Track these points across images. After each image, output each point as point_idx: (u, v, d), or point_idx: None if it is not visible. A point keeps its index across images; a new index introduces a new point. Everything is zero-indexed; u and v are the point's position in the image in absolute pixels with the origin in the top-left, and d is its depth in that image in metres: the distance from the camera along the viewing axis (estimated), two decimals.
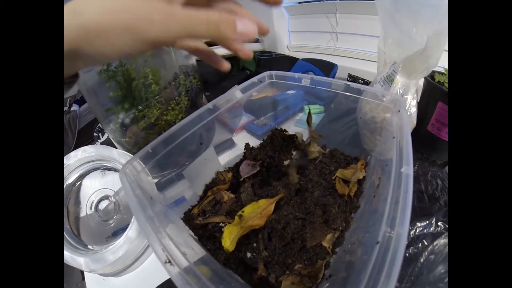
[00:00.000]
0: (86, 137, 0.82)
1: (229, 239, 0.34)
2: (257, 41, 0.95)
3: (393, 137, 0.37)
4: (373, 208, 0.31)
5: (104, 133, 0.81)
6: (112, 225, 0.55)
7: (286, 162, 0.49)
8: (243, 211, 0.37)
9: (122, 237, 0.47)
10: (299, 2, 0.95)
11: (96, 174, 0.58)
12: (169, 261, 0.22)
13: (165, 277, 0.46)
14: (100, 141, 0.80)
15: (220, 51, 0.90)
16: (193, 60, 0.79)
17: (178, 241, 0.31)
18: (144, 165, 0.40)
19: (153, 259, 0.50)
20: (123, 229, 0.53)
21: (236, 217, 0.36)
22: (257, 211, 0.35)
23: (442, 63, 0.82)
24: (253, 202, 0.38)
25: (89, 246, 0.52)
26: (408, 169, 0.27)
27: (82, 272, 0.50)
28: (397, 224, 0.21)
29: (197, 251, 0.34)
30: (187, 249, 0.28)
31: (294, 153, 0.50)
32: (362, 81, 0.80)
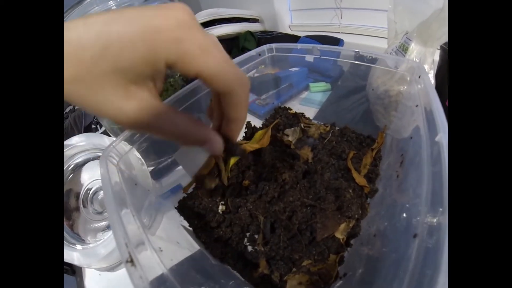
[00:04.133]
0: None
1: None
2: (256, 21, 0.87)
3: (416, 105, 0.30)
4: (398, 191, 0.24)
5: (102, 125, 0.75)
6: (107, 217, 0.51)
7: (289, 137, 0.43)
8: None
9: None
10: None
11: (91, 165, 0.53)
12: (131, 261, 0.16)
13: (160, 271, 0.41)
14: (98, 132, 0.76)
15: (217, 31, 0.82)
16: None
17: (160, 235, 0.25)
18: (127, 150, 0.34)
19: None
20: None
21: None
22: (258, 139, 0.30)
23: None
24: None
25: (85, 240, 0.48)
26: (446, 137, 0.20)
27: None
28: (445, 208, 0.14)
29: (187, 246, 0.28)
30: (170, 244, 0.22)
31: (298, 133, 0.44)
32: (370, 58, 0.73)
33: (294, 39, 0.76)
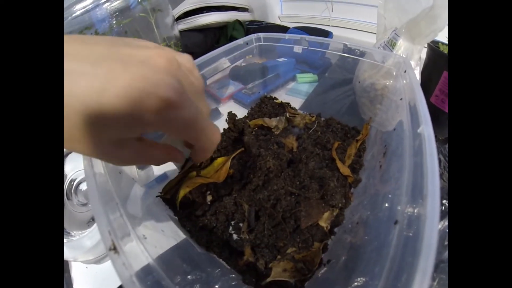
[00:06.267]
0: None
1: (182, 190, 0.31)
2: (246, 10, 0.85)
3: (401, 99, 0.30)
4: (381, 181, 0.25)
5: None
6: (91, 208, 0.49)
7: (274, 125, 0.42)
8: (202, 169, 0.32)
9: None
10: None
11: (74, 156, 0.51)
12: (114, 248, 0.16)
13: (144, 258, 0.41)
14: None
15: (204, 19, 0.79)
16: (176, 30, 0.69)
17: (144, 223, 0.25)
18: None
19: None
20: None
21: (194, 172, 0.31)
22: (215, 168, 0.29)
23: (446, 34, 0.73)
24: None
25: (70, 233, 0.46)
26: (428, 129, 0.20)
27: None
28: (424, 197, 0.15)
29: (172, 234, 0.28)
30: (155, 232, 0.22)
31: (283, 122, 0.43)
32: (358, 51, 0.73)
33: (283, 30, 0.75)
